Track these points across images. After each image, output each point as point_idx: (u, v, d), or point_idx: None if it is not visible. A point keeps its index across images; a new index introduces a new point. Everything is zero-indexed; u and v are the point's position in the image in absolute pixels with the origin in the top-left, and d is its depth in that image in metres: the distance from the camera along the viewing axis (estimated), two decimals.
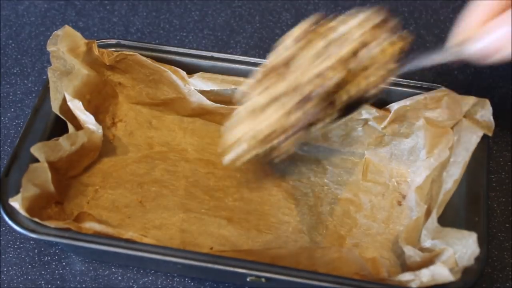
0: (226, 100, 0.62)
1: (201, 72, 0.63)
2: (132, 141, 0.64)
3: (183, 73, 0.62)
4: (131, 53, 0.62)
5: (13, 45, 0.75)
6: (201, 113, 0.65)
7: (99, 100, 0.62)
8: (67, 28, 0.60)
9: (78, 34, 0.60)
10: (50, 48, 0.60)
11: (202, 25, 0.77)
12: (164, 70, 0.62)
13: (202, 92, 0.62)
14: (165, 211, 0.59)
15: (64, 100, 0.58)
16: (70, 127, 0.58)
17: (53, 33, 0.60)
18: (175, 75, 0.62)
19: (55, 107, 0.58)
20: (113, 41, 0.63)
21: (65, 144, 0.56)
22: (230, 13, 0.78)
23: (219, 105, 0.62)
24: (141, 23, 0.77)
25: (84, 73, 0.59)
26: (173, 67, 0.63)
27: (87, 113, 0.58)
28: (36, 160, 0.55)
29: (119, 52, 0.62)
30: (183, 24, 0.77)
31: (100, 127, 0.59)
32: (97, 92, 0.62)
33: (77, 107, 0.58)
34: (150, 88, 0.65)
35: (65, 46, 0.59)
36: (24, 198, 0.51)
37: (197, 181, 0.62)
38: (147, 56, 0.62)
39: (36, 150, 0.54)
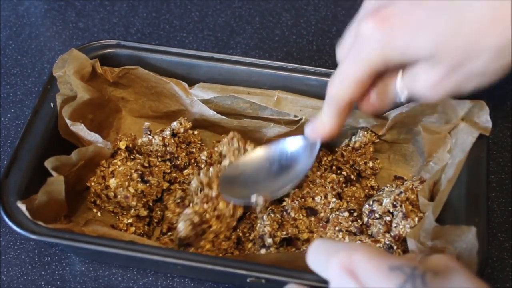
0: (227, 111, 0.63)
1: (201, 83, 0.62)
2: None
3: (185, 84, 0.62)
4: (133, 67, 0.62)
5: (13, 45, 0.75)
6: (203, 124, 0.65)
7: (102, 117, 0.63)
8: (74, 51, 0.60)
9: (84, 56, 0.60)
10: (56, 73, 0.59)
11: (202, 25, 0.77)
12: (166, 82, 0.62)
13: (204, 101, 0.62)
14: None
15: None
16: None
17: (59, 56, 0.60)
18: (178, 87, 0.62)
19: (62, 131, 0.58)
20: (113, 41, 0.63)
21: (75, 158, 0.56)
22: (230, 14, 0.78)
23: (219, 116, 0.62)
24: (141, 23, 0.77)
25: (86, 97, 0.59)
26: (175, 79, 0.62)
27: (91, 133, 0.58)
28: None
29: (121, 68, 0.62)
30: (183, 24, 0.77)
31: (108, 143, 0.59)
32: (100, 110, 0.62)
33: (79, 129, 0.58)
34: (153, 101, 0.65)
35: (72, 69, 0.59)
36: (37, 208, 0.52)
37: None
38: (147, 57, 0.62)
39: (49, 163, 0.54)
